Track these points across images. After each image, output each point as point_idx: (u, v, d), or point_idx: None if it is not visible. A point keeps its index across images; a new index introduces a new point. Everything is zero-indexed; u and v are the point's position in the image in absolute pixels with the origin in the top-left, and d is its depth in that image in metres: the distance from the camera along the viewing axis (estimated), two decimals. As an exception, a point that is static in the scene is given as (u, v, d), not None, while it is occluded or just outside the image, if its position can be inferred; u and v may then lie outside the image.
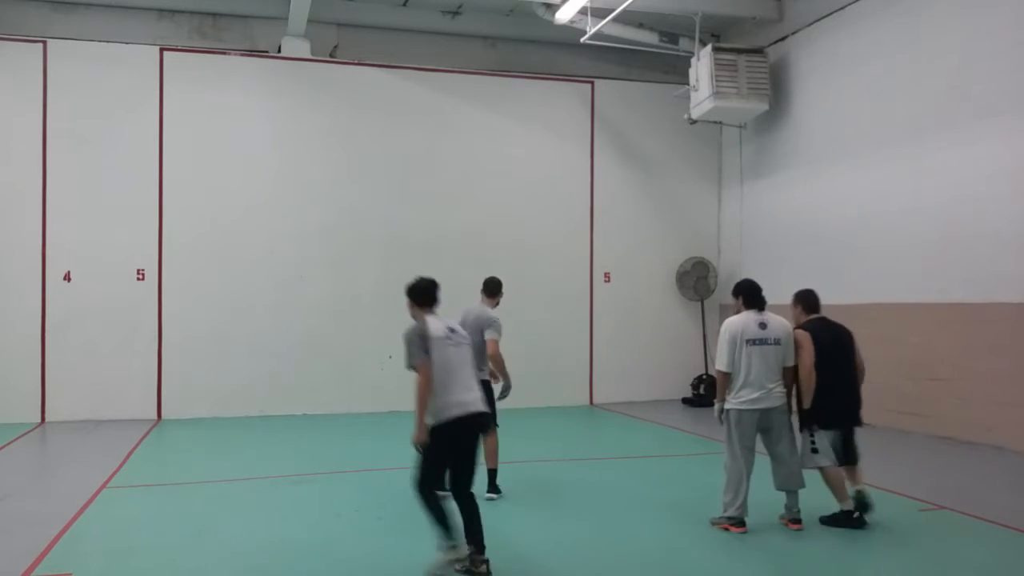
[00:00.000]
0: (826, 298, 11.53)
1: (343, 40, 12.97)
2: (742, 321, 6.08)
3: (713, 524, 6.08)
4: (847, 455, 6.17)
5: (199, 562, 5.45)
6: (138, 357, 11.81)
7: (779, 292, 12.64)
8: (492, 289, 7.40)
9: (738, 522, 5.95)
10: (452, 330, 5.33)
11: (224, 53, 12.32)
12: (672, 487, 7.07)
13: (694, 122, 12.90)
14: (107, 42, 11.86)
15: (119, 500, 7.09)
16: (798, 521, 6.02)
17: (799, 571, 5.37)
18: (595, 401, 13.59)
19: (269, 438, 10.32)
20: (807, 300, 6.53)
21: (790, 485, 6.09)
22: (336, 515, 6.53)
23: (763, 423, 6.04)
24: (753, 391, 5.96)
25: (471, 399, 5.19)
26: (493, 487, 7.07)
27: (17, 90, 11.55)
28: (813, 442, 6.08)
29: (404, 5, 12.80)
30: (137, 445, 9.71)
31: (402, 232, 12.74)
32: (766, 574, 5.33)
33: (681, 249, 13.96)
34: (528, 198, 13.40)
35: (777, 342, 6.04)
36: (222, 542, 5.89)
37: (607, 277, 13.79)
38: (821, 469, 6.09)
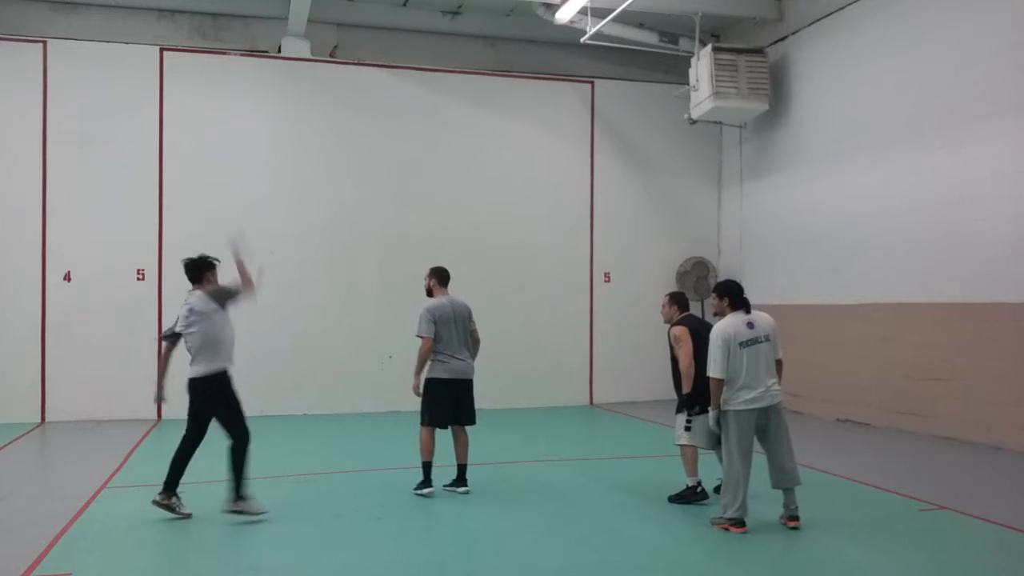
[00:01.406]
0: (826, 298, 11.69)
1: (343, 40, 12.97)
2: (731, 324, 6.04)
3: (713, 524, 6.08)
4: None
5: (199, 562, 5.45)
6: (138, 357, 11.81)
7: (779, 292, 12.76)
8: (448, 278, 7.63)
9: (738, 523, 5.95)
10: (190, 310, 6.71)
11: (224, 53, 12.32)
12: (672, 488, 7.07)
13: (694, 122, 12.91)
14: (107, 42, 11.88)
15: (119, 500, 7.09)
16: (796, 518, 6.03)
17: (798, 571, 5.37)
18: (595, 401, 13.60)
19: (269, 438, 10.30)
20: (678, 299, 7.08)
21: (787, 483, 6.09)
22: (336, 515, 6.53)
23: (760, 421, 6.03)
24: (751, 392, 5.95)
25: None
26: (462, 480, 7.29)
27: (17, 90, 11.56)
28: (689, 422, 6.59)
29: (404, 5, 12.80)
30: (137, 445, 9.71)
31: (402, 232, 12.75)
32: (765, 575, 5.33)
33: (681, 249, 13.96)
34: (528, 198, 13.41)
35: (767, 339, 6.05)
36: (222, 542, 5.89)
37: (607, 277, 13.79)
38: (682, 446, 6.71)
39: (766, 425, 6.05)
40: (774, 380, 6.04)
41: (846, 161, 11.34)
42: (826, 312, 11.73)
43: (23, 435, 10.44)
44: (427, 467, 7.10)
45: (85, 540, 5.88)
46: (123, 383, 11.69)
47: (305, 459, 8.94)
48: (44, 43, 11.65)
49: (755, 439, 6.12)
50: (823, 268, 11.79)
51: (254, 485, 7.59)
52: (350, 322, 12.53)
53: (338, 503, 6.88)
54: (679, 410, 6.73)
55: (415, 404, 9.58)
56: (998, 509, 6.49)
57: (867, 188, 10.93)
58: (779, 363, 6.17)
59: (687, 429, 6.65)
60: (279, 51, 12.47)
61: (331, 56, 12.84)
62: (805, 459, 8.64)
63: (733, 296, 6.16)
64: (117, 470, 8.25)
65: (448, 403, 7.16)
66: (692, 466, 6.75)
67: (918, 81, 10.16)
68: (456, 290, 14.27)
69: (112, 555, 5.56)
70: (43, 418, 11.48)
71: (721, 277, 13.94)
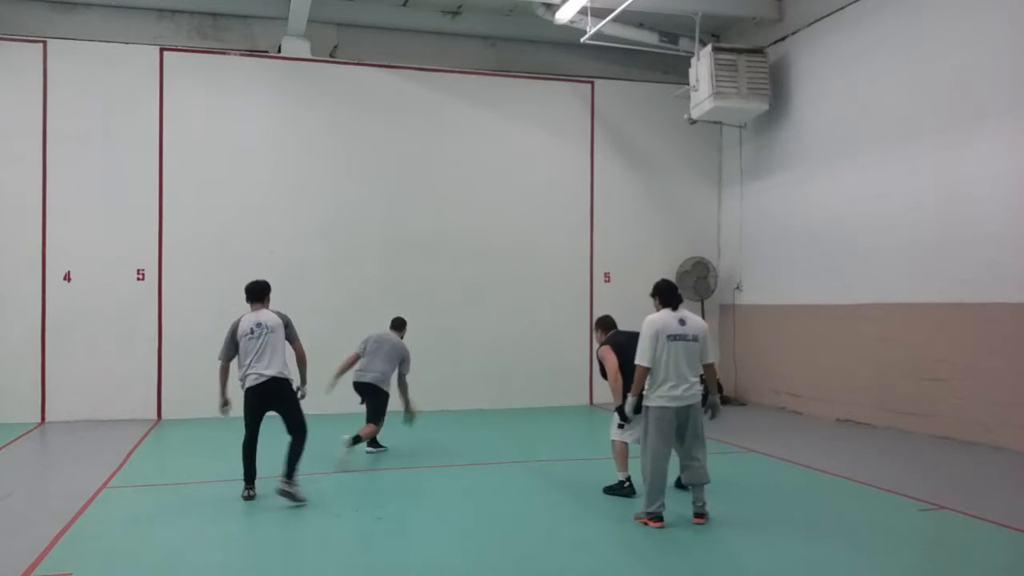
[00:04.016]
0: (826, 298, 11.70)
1: (343, 40, 12.98)
2: (662, 318, 6.22)
3: (635, 519, 6.22)
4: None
5: (199, 562, 5.45)
6: (138, 357, 11.82)
7: (779, 292, 12.77)
8: (401, 325, 9.65)
9: (656, 517, 6.08)
10: (258, 324, 7.02)
11: (224, 53, 12.32)
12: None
13: (694, 122, 12.91)
14: (107, 42, 11.87)
15: (119, 500, 7.09)
16: (703, 515, 6.20)
17: (798, 571, 5.36)
18: (595, 401, 13.59)
19: (269, 438, 10.29)
20: (603, 323, 7.63)
21: (697, 479, 6.26)
22: (336, 515, 6.53)
23: (680, 420, 6.17)
24: (674, 388, 6.07)
25: (261, 370, 6.92)
26: (356, 440, 8.57)
27: (17, 90, 11.55)
28: (625, 420, 6.78)
29: (404, 5, 12.81)
30: (137, 445, 9.71)
31: (402, 232, 12.75)
32: (765, 575, 5.33)
33: (681, 249, 13.96)
34: (528, 198, 13.41)
35: (696, 339, 6.18)
36: (222, 542, 5.89)
37: (607, 277, 13.79)
38: (614, 441, 7.10)
39: (684, 424, 6.20)
40: (696, 380, 6.16)
41: (846, 161, 11.34)
42: (826, 312, 11.73)
43: (23, 435, 10.44)
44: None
45: (85, 540, 5.88)
46: (123, 383, 11.70)
47: (305, 459, 8.90)
48: (44, 43, 11.65)
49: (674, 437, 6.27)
50: (823, 268, 11.79)
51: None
52: (349, 322, 12.50)
53: (338, 503, 6.88)
54: (617, 410, 7.04)
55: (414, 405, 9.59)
56: (998, 509, 6.49)
57: (867, 188, 10.94)
58: (712, 367, 6.33)
59: (620, 427, 6.97)
60: (279, 51, 12.47)
61: (331, 56, 12.84)
62: (805, 459, 8.67)
63: (662, 295, 6.37)
64: (117, 470, 8.25)
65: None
66: (622, 462, 7.10)
67: (918, 81, 10.16)
68: (456, 290, 14.28)
69: (112, 555, 5.56)
70: (43, 418, 11.48)
71: (721, 277, 13.97)
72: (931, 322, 9.94)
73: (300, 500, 6.77)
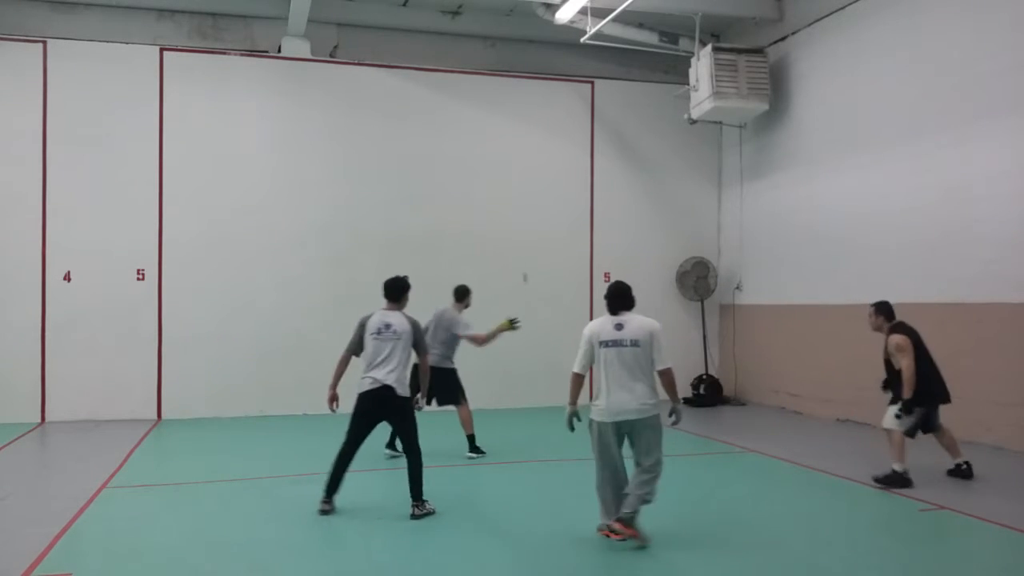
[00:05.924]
0: (826, 298, 11.71)
1: (343, 40, 12.98)
2: (597, 324, 5.86)
3: (598, 531, 5.83)
4: (927, 426, 7.55)
5: (199, 562, 5.45)
6: (138, 357, 11.82)
7: (780, 292, 12.76)
8: (461, 295, 9.37)
9: (611, 528, 5.70)
10: (387, 325, 6.71)
11: (224, 53, 12.32)
12: (671, 488, 7.07)
13: (694, 122, 12.91)
14: (107, 42, 11.87)
15: (119, 500, 7.09)
16: (617, 532, 5.63)
17: (798, 572, 5.36)
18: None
19: (269, 438, 10.32)
20: (886, 309, 7.92)
21: (625, 506, 5.73)
22: (336, 515, 6.53)
23: (626, 432, 5.75)
24: (611, 399, 5.65)
25: (380, 376, 6.54)
26: (473, 448, 8.99)
27: (17, 90, 11.55)
28: (899, 415, 7.29)
29: (404, 5, 12.81)
30: (137, 445, 9.71)
31: (401, 232, 12.75)
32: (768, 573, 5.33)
33: (681, 249, 13.96)
34: (528, 198, 13.41)
35: (634, 344, 5.66)
36: (222, 542, 5.88)
37: (607, 277, 13.78)
38: (889, 431, 7.40)
39: (631, 434, 5.74)
40: (643, 392, 5.64)
41: (846, 161, 11.34)
42: (826, 312, 11.73)
43: (23, 435, 10.44)
44: None
45: (85, 540, 5.88)
46: (123, 383, 11.70)
47: (305, 459, 8.92)
48: (44, 43, 11.65)
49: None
50: (823, 268, 11.79)
51: (253, 485, 7.62)
52: (349, 322, 12.48)
53: (338, 503, 6.87)
54: (893, 402, 7.45)
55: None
56: (998, 509, 6.49)
57: (867, 188, 10.93)
58: (667, 373, 5.74)
59: (897, 417, 7.29)
60: (279, 51, 12.47)
61: (331, 56, 12.84)
62: (806, 460, 8.68)
63: (606, 298, 5.98)
64: (117, 470, 8.25)
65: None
66: (898, 452, 7.27)
67: (918, 81, 10.16)
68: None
69: (112, 555, 5.56)
70: (43, 418, 11.48)
71: (721, 277, 13.96)
72: (931, 322, 9.91)
73: (431, 512, 6.48)
